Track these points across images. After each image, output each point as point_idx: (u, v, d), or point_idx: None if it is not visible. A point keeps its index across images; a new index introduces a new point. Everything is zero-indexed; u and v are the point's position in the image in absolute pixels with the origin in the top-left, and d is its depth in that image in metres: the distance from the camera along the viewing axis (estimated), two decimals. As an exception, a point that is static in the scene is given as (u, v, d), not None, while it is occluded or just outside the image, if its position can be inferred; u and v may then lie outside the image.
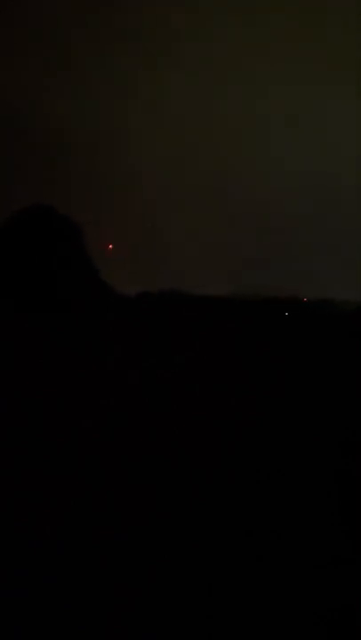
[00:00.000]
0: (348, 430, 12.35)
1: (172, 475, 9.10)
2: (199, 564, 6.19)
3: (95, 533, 6.86)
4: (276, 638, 5.03)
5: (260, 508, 7.81)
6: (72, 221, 59.41)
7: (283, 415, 13.79)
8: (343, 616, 5.38)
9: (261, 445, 10.98)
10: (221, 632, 5.08)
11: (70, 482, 8.61)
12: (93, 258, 59.96)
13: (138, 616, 5.28)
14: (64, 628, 5.07)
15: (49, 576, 5.88)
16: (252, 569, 6.13)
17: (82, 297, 55.26)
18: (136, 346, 31.51)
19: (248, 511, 7.68)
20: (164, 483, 8.70)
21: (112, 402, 14.76)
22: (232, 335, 43.11)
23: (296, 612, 5.39)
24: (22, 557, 6.25)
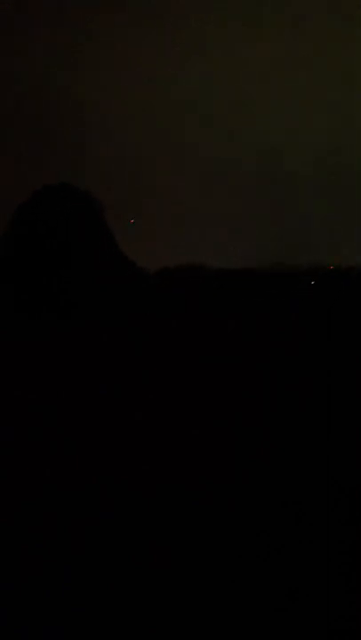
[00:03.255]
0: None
1: (172, 475, 9.09)
2: (199, 565, 6.18)
3: (95, 533, 6.86)
4: (276, 638, 5.03)
5: (260, 508, 7.81)
6: (86, 204, 58.99)
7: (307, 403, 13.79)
8: (343, 617, 5.37)
9: (269, 438, 10.98)
10: (222, 632, 5.08)
11: (70, 481, 8.61)
12: (109, 240, 59.58)
13: (138, 616, 5.28)
14: (64, 628, 5.07)
15: (49, 576, 5.88)
16: (252, 569, 6.13)
17: (94, 285, 55.17)
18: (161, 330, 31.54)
19: (248, 511, 7.68)
20: (164, 482, 8.70)
21: (120, 397, 14.77)
22: (256, 311, 43.31)
23: (296, 613, 5.38)
24: (22, 558, 6.25)
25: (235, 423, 12.71)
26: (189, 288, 61.30)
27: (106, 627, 5.13)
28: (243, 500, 8.06)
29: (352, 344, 29.98)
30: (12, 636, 4.98)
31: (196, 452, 10.37)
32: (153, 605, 5.44)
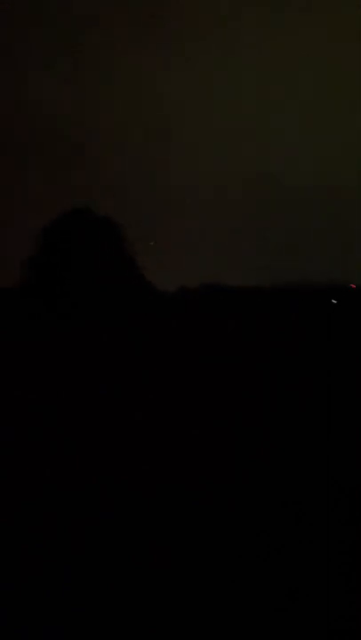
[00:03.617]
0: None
1: (172, 475, 9.09)
2: (199, 565, 6.18)
3: (95, 533, 6.86)
4: (276, 638, 5.03)
5: (260, 508, 7.81)
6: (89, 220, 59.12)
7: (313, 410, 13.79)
8: (343, 617, 5.37)
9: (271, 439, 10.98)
10: (221, 632, 5.08)
11: (70, 481, 8.61)
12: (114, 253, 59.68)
13: (138, 616, 5.28)
14: (64, 628, 5.07)
15: (49, 576, 5.88)
16: (252, 569, 6.13)
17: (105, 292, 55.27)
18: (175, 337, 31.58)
19: (248, 511, 7.68)
20: (164, 482, 8.70)
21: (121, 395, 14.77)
22: (278, 325, 43.39)
23: (296, 613, 5.38)
24: (22, 557, 6.25)
25: (235, 423, 12.71)
26: (189, 288, 61.25)
27: (106, 627, 5.13)
28: (243, 500, 8.06)
29: (352, 344, 29.99)
30: (12, 636, 4.98)
31: (196, 452, 10.38)
32: (153, 605, 5.44)
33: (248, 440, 11.33)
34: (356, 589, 5.81)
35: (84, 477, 8.87)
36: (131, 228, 59.34)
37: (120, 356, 26.26)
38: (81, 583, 5.78)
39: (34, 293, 55.56)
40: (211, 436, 11.60)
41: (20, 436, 11.21)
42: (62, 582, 5.77)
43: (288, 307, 54.95)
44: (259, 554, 6.45)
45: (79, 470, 9.21)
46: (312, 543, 6.76)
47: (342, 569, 6.19)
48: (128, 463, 9.65)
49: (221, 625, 5.18)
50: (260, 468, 9.56)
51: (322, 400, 15.57)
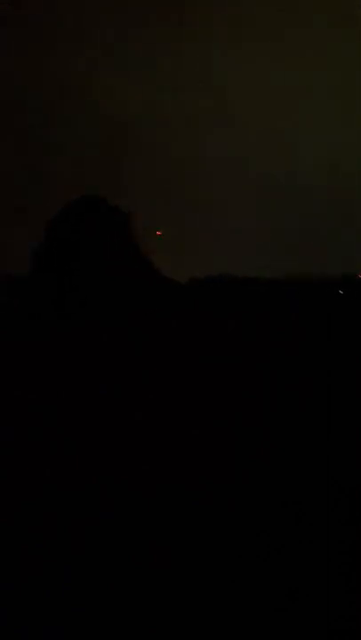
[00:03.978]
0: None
1: (172, 475, 9.09)
2: (199, 565, 6.18)
3: (95, 533, 6.86)
4: (276, 638, 5.03)
5: (260, 508, 7.81)
6: (117, 210, 59.11)
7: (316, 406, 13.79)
8: (343, 617, 5.37)
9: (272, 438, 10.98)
10: (222, 632, 5.08)
11: (70, 481, 8.61)
12: (138, 246, 59.69)
13: (138, 616, 5.28)
14: (64, 628, 5.07)
15: (49, 576, 5.88)
16: (252, 569, 6.13)
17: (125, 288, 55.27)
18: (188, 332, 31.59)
19: (248, 511, 7.68)
20: (164, 482, 8.70)
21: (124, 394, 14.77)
22: (284, 317, 43.45)
23: (296, 613, 5.38)
24: (22, 557, 6.25)
25: (235, 423, 12.71)
26: (189, 288, 61.24)
27: (106, 627, 5.13)
28: (243, 500, 8.06)
29: (352, 344, 29.96)
30: (12, 636, 4.98)
31: (196, 452, 10.37)
32: (153, 605, 5.44)
33: (248, 440, 11.33)
34: (356, 589, 5.81)
35: (84, 477, 8.87)
36: (135, 221, 59.28)
37: (120, 355, 26.26)
38: (81, 583, 5.78)
39: (37, 285, 55.60)
40: (211, 435, 11.60)
41: (20, 436, 11.21)
42: (62, 582, 5.77)
43: (289, 302, 54.91)
44: (259, 554, 6.45)
45: (79, 470, 9.21)
46: (312, 543, 6.76)
47: (342, 569, 6.19)
48: (128, 463, 9.65)
49: (221, 625, 5.18)
50: (260, 468, 9.56)
51: (322, 399, 15.56)
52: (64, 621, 5.18)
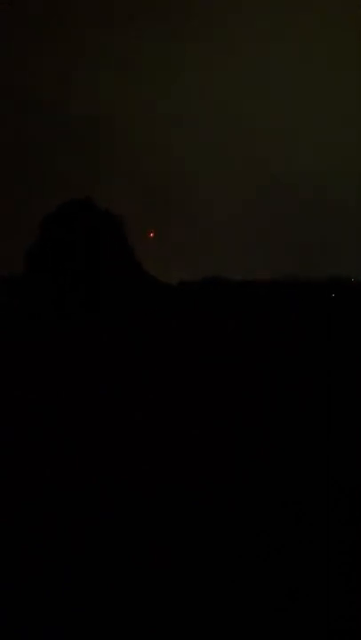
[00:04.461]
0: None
1: (172, 475, 9.09)
2: (199, 565, 6.18)
3: (95, 533, 6.86)
4: (276, 638, 5.03)
5: (260, 508, 7.81)
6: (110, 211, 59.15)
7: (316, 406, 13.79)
8: (343, 617, 5.37)
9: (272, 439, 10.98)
10: (222, 632, 5.08)
11: (70, 481, 8.61)
12: (134, 247, 59.76)
13: (138, 616, 5.28)
14: (64, 628, 5.07)
15: (49, 576, 5.88)
16: (252, 569, 6.13)
17: (122, 288, 55.31)
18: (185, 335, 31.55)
19: (248, 511, 7.68)
20: (164, 482, 8.70)
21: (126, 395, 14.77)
22: (277, 320, 43.54)
23: (296, 613, 5.39)
24: (22, 557, 6.25)
25: (235, 423, 12.71)
26: (190, 288, 61.32)
27: (106, 627, 5.13)
28: (243, 500, 8.06)
29: (352, 344, 29.96)
30: (12, 635, 4.98)
31: (196, 452, 10.37)
32: (153, 605, 5.44)
33: (248, 440, 11.32)
34: (356, 589, 5.81)
35: (84, 477, 8.87)
36: (131, 221, 59.37)
37: (120, 355, 26.26)
38: (81, 583, 5.78)
39: (37, 285, 55.65)
40: (211, 435, 11.60)
41: (20, 436, 11.21)
42: (62, 582, 5.77)
43: (288, 303, 54.94)
44: (259, 554, 6.45)
45: (79, 470, 9.21)
46: (312, 543, 6.76)
47: (342, 569, 6.19)
48: (128, 463, 9.65)
49: (221, 625, 5.18)
50: (260, 468, 9.56)
51: (322, 399, 15.56)
52: (64, 621, 5.18)
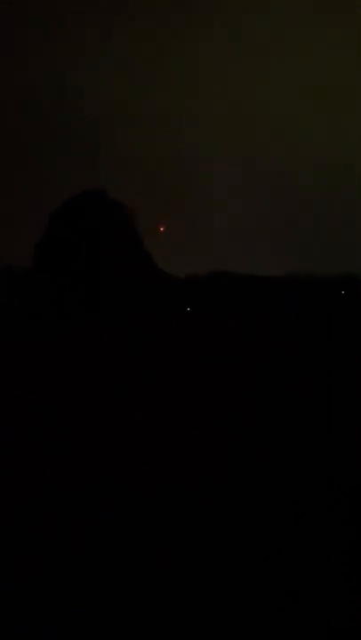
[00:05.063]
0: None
1: (172, 475, 9.09)
2: (199, 565, 6.18)
3: (95, 533, 6.86)
4: (276, 638, 5.03)
5: (260, 508, 7.81)
6: (118, 206, 59.10)
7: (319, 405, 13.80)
8: (343, 617, 5.37)
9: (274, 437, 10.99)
10: (222, 632, 5.08)
11: (70, 481, 8.61)
12: (141, 241, 59.74)
13: (138, 616, 5.28)
14: (64, 628, 5.07)
15: (49, 576, 5.88)
16: (252, 569, 6.13)
17: (128, 284, 55.31)
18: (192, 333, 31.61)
19: (248, 511, 7.68)
20: (164, 482, 8.70)
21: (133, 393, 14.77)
22: (284, 316, 43.54)
23: (296, 613, 5.38)
24: (22, 557, 6.25)
25: (235, 423, 12.71)
26: (190, 288, 61.28)
27: (106, 627, 5.13)
28: (243, 500, 8.06)
29: (352, 344, 29.96)
30: (12, 635, 4.98)
31: (196, 452, 10.38)
32: (153, 605, 5.44)
33: (248, 440, 11.33)
34: (356, 589, 5.81)
35: (84, 477, 8.87)
36: (135, 220, 59.30)
37: (120, 355, 26.25)
38: (81, 583, 5.78)
39: (37, 285, 55.63)
40: (211, 435, 11.60)
41: (20, 436, 11.21)
42: (62, 582, 5.77)
43: (289, 302, 54.87)
44: (259, 554, 6.45)
45: (79, 470, 9.21)
46: (312, 543, 6.76)
47: (342, 569, 6.19)
48: (128, 463, 9.65)
49: (221, 625, 5.18)
50: (260, 467, 9.56)
51: (322, 399, 15.56)
52: (64, 621, 5.18)
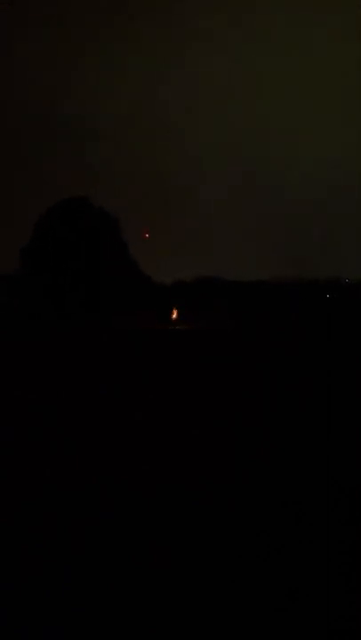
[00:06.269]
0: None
1: (172, 475, 9.09)
2: (199, 565, 6.18)
3: (95, 533, 6.85)
4: (276, 638, 5.03)
5: (260, 508, 7.81)
6: (105, 210, 59.14)
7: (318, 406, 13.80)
8: (343, 617, 5.37)
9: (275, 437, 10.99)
10: (222, 632, 5.08)
11: (70, 481, 8.61)
12: (128, 245, 59.78)
13: (138, 616, 5.27)
14: (64, 628, 5.07)
15: (49, 576, 5.88)
16: (252, 569, 6.13)
17: (120, 288, 55.37)
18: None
19: (248, 511, 7.68)
20: (164, 482, 8.70)
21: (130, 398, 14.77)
22: (272, 320, 43.52)
23: (296, 613, 5.38)
24: (22, 557, 6.25)
25: (235, 423, 12.71)
26: (189, 288, 61.32)
27: (106, 627, 5.13)
28: (243, 500, 8.06)
29: (352, 345, 29.96)
30: (12, 636, 4.98)
31: (196, 452, 10.38)
32: (153, 605, 5.44)
33: (248, 440, 11.33)
34: (356, 589, 5.81)
35: (84, 477, 8.87)
36: (131, 221, 59.37)
37: (120, 355, 26.26)
38: (81, 583, 5.78)
39: (37, 285, 55.66)
40: (211, 436, 11.60)
41: (20, 436, 11.21)
42: (62, 582, 5.77)
43: (288, 303, 54.89)
44: (259, 554, 6.45)
45: (79, 470, 9.21)
46: (312, 543, 6.76)
47: (342, 569, 6.19)
48: (128, 463, 9.65)
49: (221, 625, 5.18)
50: (260, 468, 9.56)
51: (322, 400, 15.57)
52: (64, 621, 5.17)
